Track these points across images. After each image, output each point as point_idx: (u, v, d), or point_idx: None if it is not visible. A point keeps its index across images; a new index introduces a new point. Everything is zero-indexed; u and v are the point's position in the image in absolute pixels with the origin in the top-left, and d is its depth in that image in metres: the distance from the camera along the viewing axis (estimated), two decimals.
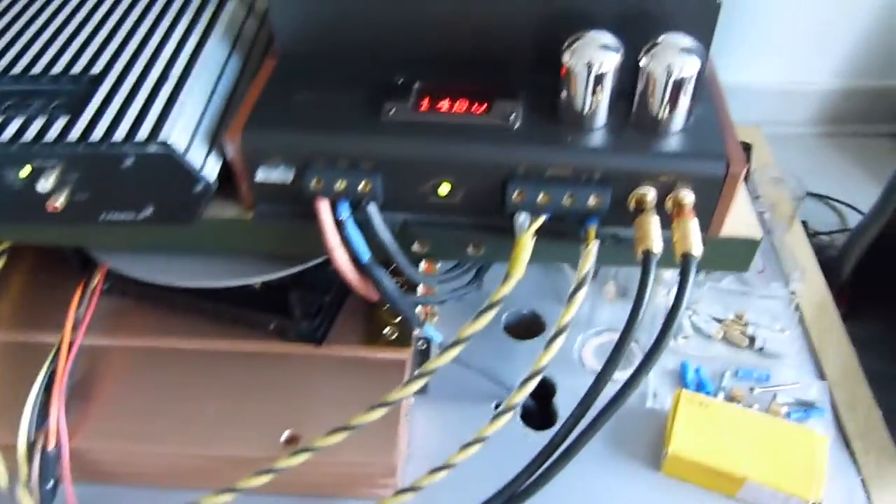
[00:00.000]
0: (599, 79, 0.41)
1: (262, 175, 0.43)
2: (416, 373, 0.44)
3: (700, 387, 0.58)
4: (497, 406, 0.58)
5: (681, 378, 0.59)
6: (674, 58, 0.40)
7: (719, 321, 0.63)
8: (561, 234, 0.44)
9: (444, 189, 0.44)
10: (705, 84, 0.46)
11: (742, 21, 0.86)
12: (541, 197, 0.42)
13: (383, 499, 0.47)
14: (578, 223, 0.43)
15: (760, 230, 0.46)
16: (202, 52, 0.48)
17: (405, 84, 0.45)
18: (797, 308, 0.64)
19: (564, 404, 0.58)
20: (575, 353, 0.61)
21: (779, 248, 0.68)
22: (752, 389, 0.58)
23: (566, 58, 0.41)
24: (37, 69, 0.47)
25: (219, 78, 0.48)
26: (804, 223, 0.78)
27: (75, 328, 0.53)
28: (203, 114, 0.45)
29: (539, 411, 0.60)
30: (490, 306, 0.43)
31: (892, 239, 0.81)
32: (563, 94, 0.42)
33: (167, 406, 0.51)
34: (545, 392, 0.60)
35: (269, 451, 0.49)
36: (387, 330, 0.55)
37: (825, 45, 0.89)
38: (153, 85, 0.45)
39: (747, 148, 0.73)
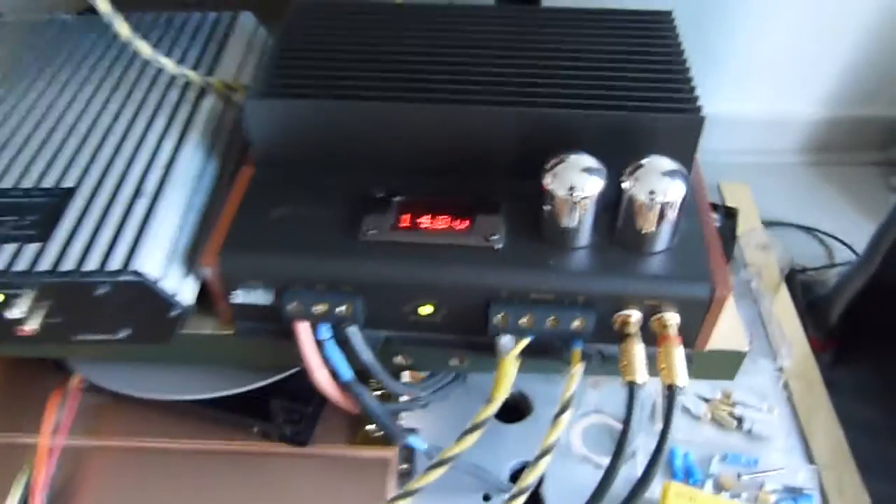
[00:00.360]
0: (582, 203, 0.40)
1: (240, 298, 0.43)
2: (399, 493, 0.44)
3: (689, 474, 0.58)
4: (485, 498, 0.57)
5: (669, 464, 0.58)
6: (658, 183, 0.40)
7: (706, 400, 0.62)
8: (546, 352, 0.44)
9: (427, 310, 0.43)
10: (691, 197, 0.45)
11: (727, 51, 0.85)
12: (524, 320, 0.42)
13: None
14: (563, 344, 0.43)
15: (746, 342, 0.45)
16: (178, 159, 0.47)
17: (384, 198, 0.44)
18: (785, 386, 0.63)
19: (554, 494, 0.58)
20: (563, 436, 0.61)
21: (766, 320, 0.68)
22: (739, 476, 0.58)
23: (548, 181, 0.40)
24: (6, 182, 0.46)
25: (195, 188, 0.47)
26: (793, 271, 0.77)
27: (54, 433, 0.52)
28: (178, 234, 0.44)
29: (527, 500, 0.59)
30: (474, 428, 0.43)
31: (880, 287, 0.81)
32: (546, 212, 0.42)
33: None
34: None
35: None
36: (371, 426, 0.54)
37: (810, 75, 0.89)
38: (128, 202, 0.44)
39: (733, 214, 0.72)
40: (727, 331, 0.45)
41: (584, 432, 0.61)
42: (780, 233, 0.88)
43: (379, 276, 0.42)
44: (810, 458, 0.59)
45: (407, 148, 0.46)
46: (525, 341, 0.42)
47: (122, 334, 0.44)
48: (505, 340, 0.43)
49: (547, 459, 0.42)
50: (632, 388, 0.39)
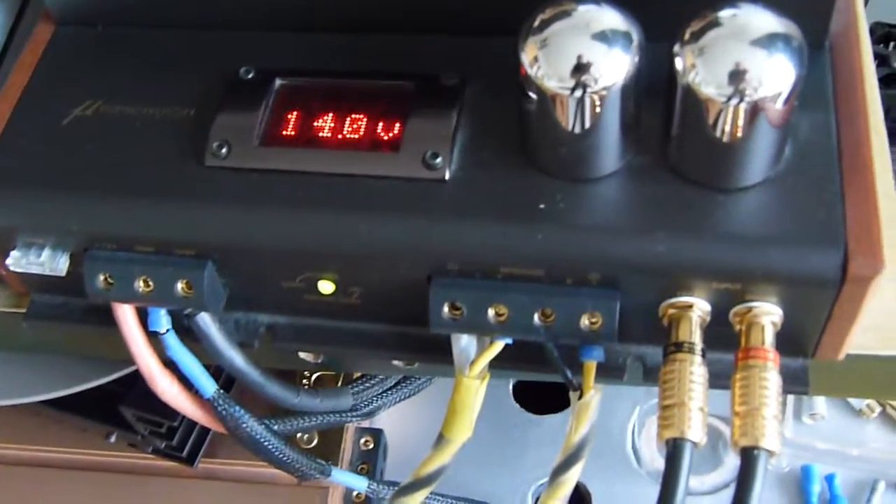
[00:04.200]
0: (595, 101, 0.31)
1: (16, 263, 0.37)
2: None
3: None
4: None
5: (801, 492, 0.51)
6: (743, 59, 0.29)
7: None
8: (537, 361, 0.36)
9: (327, 287, 0.36)
10: (826, 70, 0.35)
11: None
12: (492, 313, 0.34)
13: None
14: (565, 352, 0.35)
15: None
16: None
17: (255, 79, 0.37)
18: None
19: None
20: (627, 441, 0.53)
21: None
22: None
23: (529, 55, 0.31)
24: None
25: None
26: None
27: None
28: None
29: None
30: (417, 484, 0.37)
31: None
32: (529, 112, 0.32)
33: None
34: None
35: None
36: (300, 435, 0.49)
37: None
38: None
39: None
40: (884, 319, 0.36)
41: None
42: None
43: (233, 232, 0.35)
44: None
45: None
46: (495, 348, 0.35)
47: None
48: (464, 344, 0.35)
49: None
50: (677, 448, 0.31)
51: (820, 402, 0.53)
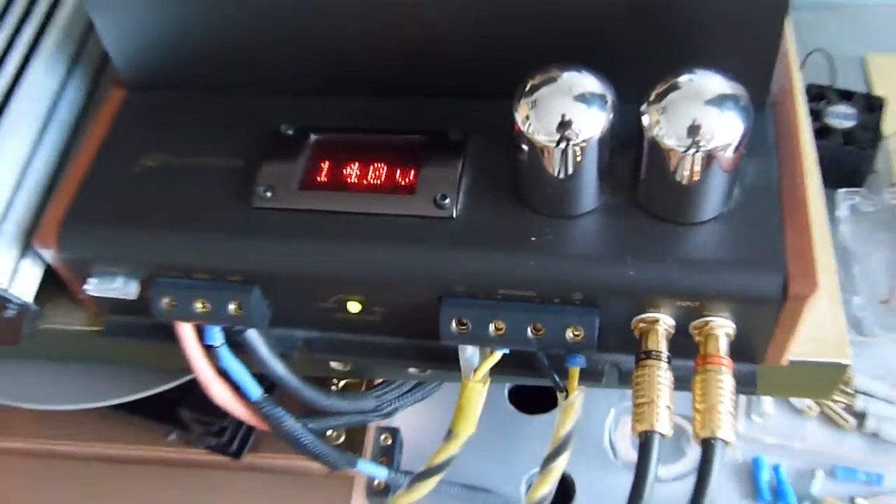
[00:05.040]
0: (575, 151, 0.30)
1: (93, 288, 0.36)
2: None
3: (779, 495, 0.50)
4: None
5: (752, 479, 0.50)
6: (698, 116, 0.29)
7: None
8: (530, 368, 0.36)
9: (354, 307, 0.35)
10: (765, 130, 0.35)
11: None
12: (493, 327, 0.33)
13: None
14: (553, 361, 0.35)
15: (848, 348, 0.35)
16: (21, 86, 0.40)
17: (296, 135, 0.37)
18: None
19: None
20: (605, 435, 0.53)
21: None
22: (853, 500, 0.49)
23: (522, 114, 0.31)
24: None
25: (45, 124, 0.40)
26: None
27: None
28: (11, 200, 0.38)
29: None
30: (430, 471, 0.36)
31: None
32: (522, 161, 0.32)
33: None
34: (561, 494, 0.53)
35: None
36: (330, 432, 0.48)
37: None
38: None
39: (877, 105, 0.59)
40: (820, 330, 0.35)
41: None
42: None
43: (276, 262, 0.35)
44: None
45: (320, 55, 0.38)
46: (494, 357, 0.35)
47: None
48: (469, 354, 0.35)
49: None
50: (647, 439, 0.31)
51: (767, 403, 0.52)
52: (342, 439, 0.49)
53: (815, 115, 0.59)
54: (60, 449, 0.51)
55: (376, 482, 0.49)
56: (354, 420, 0.43)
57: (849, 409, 0.52)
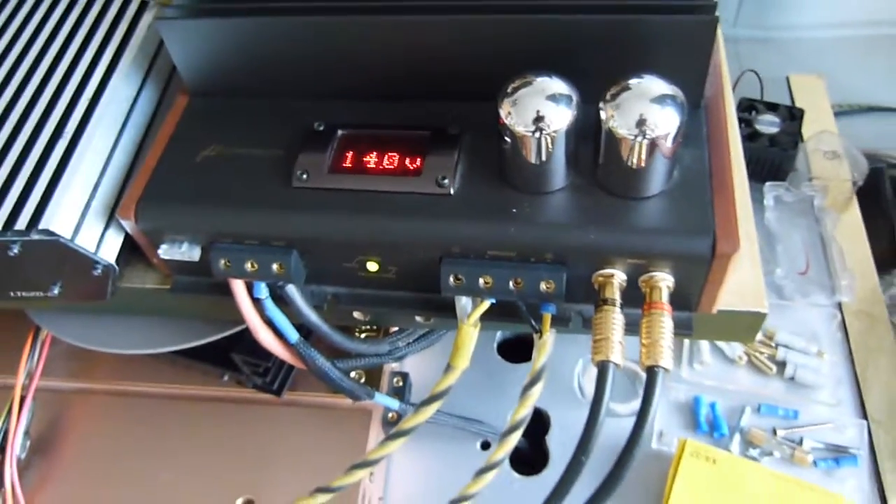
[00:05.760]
0: (547, 140, 0.32)
1: (165, 252, 0.38)
2: (355, 463, 0.39)
3: (714, 426, 0.51)
4: (483, 445, 0.52)
5: (693, 414, 0.51)
6: (644, 112, 0.31)
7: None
8: (512, 315, 0.37)
9: (373, 267, 0.37)
10: (700, 124, 0.36)
11: None
12: (482, 281, 0.35)
13: None
14: (531, 308, 0.36)
15: (765, 300, 0.36)
16: (107, 90, 0.41)
17: (325, 131, 0.38)
18: (841, 325, 0.54)
19: (559, 442, 0.52)
20: (575, 379, 0.54)
21: (828, 244, 0.57)
22: (774, 431, 0.50)
23: (505, 110, 0.32)
24: None
25: (124, 123, 0.42)
26: (880, 170, 0.65)
27: (28, 377, 0.50)
28: (98, 182, 0.39)
29: (531, 449, 0.54)
30: (432, 399, 0.38)
31: None
32: (505, 149, 0.33)
33: (123, 468, 0.49)
34: (538, 427, 0.54)
35: None
36: (353, 374, 0.50)
37: None
38: (44, 146, 0.39)
39: (798, 115, 0.60)
40: (743, 286, 0.37)
41: None
42: (878, 118, 0.74)
43: (310, 230, 0.36)
44: (863, 413, 0.50)
45: (344, 67, 0.39)
46: (484, 305, 0.36)
47: (56, 291, 0.40)
48: (463, 303, 0.36)
49: (516, 435, 0.36)
50: (603, 369, 0.32)
51: (706, 353, 0.53)
52: (363, 381, 0.50)
53: (747, 122, 0.60)
54: (135, 389, 0.52)
55: (390, 414, 0.50)
56: (373, 362, 0.44)
57: (772, 358, 0.53)
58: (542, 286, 0.34)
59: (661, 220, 0.33)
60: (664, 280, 0.33)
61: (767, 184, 0.59)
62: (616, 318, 0.33)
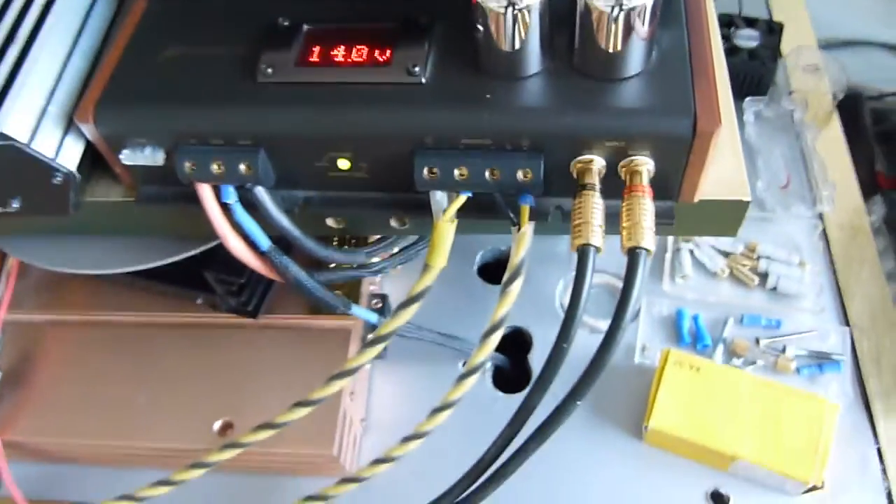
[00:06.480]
0: (521, 18, 0.30)
1: (127, 158, 0.36)
2: (333, 375, 0.38)
3: (697, 338, 0.50)
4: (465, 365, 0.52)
5: (676, 327, 0.51)
6: None
7: (725, 255, 0.53)
8: (490, 210, 0.36)
9: (344, 164, 0.35)
10: (681, 4, 0.35)
11: None
12: (457, 173, 0.33)
13: (325, 488, 0.43)
14: (510, 200, 0.34)
15: (748, 189, 0.35)
16: (56, 2, 0.39)
17: (290, 27, 0.36)
18: (823, 236, 0.53)
19: (541, 361, 0.51)
20: (556, 299, 0.54)
21: (808, 157, 0.56)
22: (758, 341, 0.50)
23: None
24: None
25: (81, 29, 0.40)
26: (858, 95, 0.65)
27: None
28: (55, 86, 0.37)
29: (513, 369, 0.53)
30: (410, 300, 0.36)
31: None
32: (478, 32, 0.32)
33: (99, 394, 0.48)
34: (520, 347, 0.53)
35: (200, 441, 0.45)
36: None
37: None
38: None
39: (777, 29, 0.59)
40: (724, 175, 0.35)
41: None
42: (859, 52, 0.74)
43: (278, 126, 0.34)
44: (845, 320, 0.50)
45: None
46: (460, 200, 0.35)
47: (15, 205, 0.38)
48: (439, 197, 0.35)
49: (497, 335, 0.36)
50: (583, 254, 0.31)
51: (687, 266, 0.53)
52: None
53: (726, 37, 0.59)
54: (109, 319, 0.50)
55: (371, 336, 0.49)
56: (349, 275, 0.43)
57: (753, 270, 0.52)
58: (520, 175, 0.33)
59: (640, 100, 0.32)
60: (644, 164, 0.32)
61: (747, 99, 0.58)
62: (596, 203, 0.32)
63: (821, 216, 0.54)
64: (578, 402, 0.32)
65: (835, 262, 0.52)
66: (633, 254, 0.31)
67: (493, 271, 0.56)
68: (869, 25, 0.77)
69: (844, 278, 0.51)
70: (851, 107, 0.67)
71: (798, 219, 0.54)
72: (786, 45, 0.61)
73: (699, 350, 0.50)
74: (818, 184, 0.54)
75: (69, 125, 0.37)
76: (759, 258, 0.52)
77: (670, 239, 0.54)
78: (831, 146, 0.57)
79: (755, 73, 0.58)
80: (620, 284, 0.51)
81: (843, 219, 0.54)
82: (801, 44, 0.61)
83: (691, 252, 0.53)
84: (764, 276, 0.52)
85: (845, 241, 0.53)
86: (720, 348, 0.49)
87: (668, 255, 0.53)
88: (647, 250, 0.30)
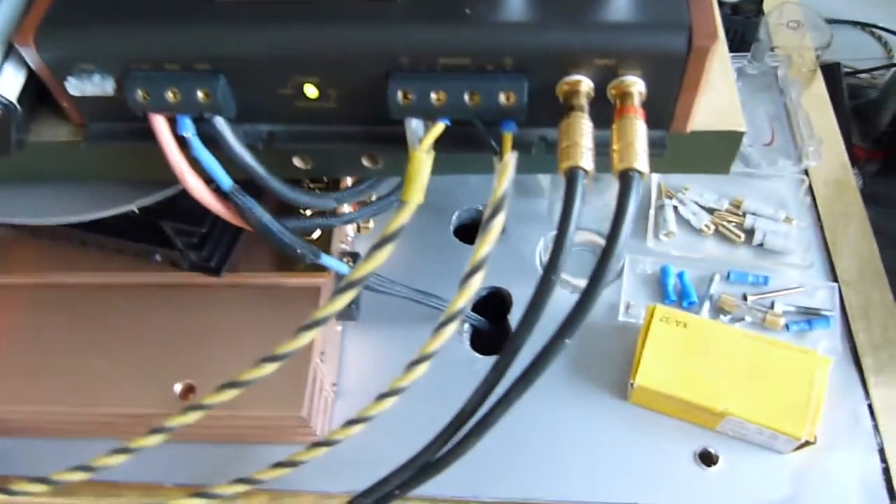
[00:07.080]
0: None
1: (74, 87, 0.33)
2: (304, 324, 0.35)
3: (683, 295, 0.48)
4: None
5: (661, 285, 0.49)
6: None
7: (711, 212, 0.51)
8: (470, 142, 0.33)
9: (311, 91, 0.33)
10: None
11: None
12: (434, 97, 0.31)
13: (295, 453, 0.40)
14: (490, 129, 0.32)
15: (743, 119, 0.33)
16: None
17: None
18: (809, 191, 0.51)
19: None
20: (536, 257, 0.51)
21: (793, 113, 0.55)
22: (745, 297, 0.48)
23: None
24: None
25: None
26: (836, 65, 0.64)
27: None
28: None
29: (493, 330, 0.51)
30: (384, 240, 0.33)
31: None
32: None
33: (52, 359, 0.44)
34: (499, 308, 0.51)
35: (161, 406, 0.42)
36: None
37: None
38: None
39: None
40: (717, 105, 0.33)
41: None
42: (836, 31, 0.73)
43: (238, 47, 0.31)
44: (833, 276, 0.48)
45: None
46: (438, 127, 0.32)
47: None
48: (415, 126, 0.32)
49: (478, 278, 0.33)
50: (572, 176, 0.29)
51: (671, 223, 0.51)
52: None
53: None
54: (61, 281, 0.47)
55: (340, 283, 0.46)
56: (318, 223, 0.40)
57: (739, 226, 0.51)
58: (502, 98, 0.30)
59: (631, 13, 0.29)
60: (635, 84, 0.30)
61: (730, 55, 0.56)
62: (585, 124, 0.29)
63: (806, 172, 0.52)
64: (568, 341, 0.30)
65: (822, 217, 0.51)
66: (625, 177, 0.28)
67: (470, 232, 0.54)
68: (847, 5, 0.77)
69: (832, 233, 0.50)
70: (829, 79, 0.66)
71: (784, 175, 0.52)
72: (768, 2, 0.59)
73: (685, 307, 0.48)
74: (804, 138, 0.52)
75: (8, 51, 0.33)
76: (744, 214, 0.51)
77: (654, 195, 0.52)
78: (815, 102, 0.56)
79: (738, 28, 0.56)
80: (603, 242, 0.50)
81: (828, 175, 0.52)
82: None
83: (675, 208, 0.51)
84: (750, 233, 0.50)
85: (832, 196, 0.51)
86: (707, 305, 0.48)
87: (652, 212, 0.51)
88: (640, 172, 0.28)
